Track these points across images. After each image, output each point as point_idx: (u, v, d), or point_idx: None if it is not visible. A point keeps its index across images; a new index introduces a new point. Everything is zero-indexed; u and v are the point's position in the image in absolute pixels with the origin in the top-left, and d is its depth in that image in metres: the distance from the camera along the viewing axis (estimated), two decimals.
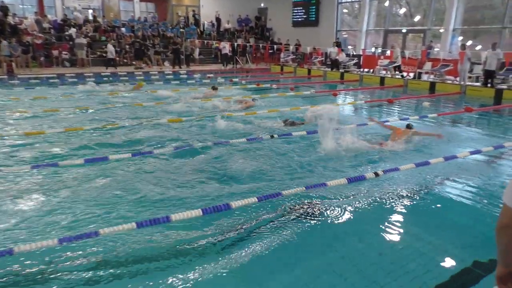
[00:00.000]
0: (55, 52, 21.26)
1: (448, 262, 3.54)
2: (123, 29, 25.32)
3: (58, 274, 3.20)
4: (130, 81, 16.63)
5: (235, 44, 25.24)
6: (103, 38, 23.83)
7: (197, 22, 29.07)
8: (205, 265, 3.35)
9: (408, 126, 7.51)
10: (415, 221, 4.35)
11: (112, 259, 3.40)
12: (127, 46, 22.97)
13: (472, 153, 6.46)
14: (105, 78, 17.75)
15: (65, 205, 4.41)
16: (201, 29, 29.37)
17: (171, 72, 20.84)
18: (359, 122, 8.65)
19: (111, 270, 3.26)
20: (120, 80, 17.25)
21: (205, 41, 26.88)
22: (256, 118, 9.10)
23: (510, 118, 10.35)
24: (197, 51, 25.40)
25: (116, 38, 23.68)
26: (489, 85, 14.60)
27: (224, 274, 3.26)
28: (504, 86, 14.52)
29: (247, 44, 26.22)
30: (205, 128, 8.25)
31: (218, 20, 29.66)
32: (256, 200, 4.11)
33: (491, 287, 2.61)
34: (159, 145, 6.84)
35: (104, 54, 22.04)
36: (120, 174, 5.44)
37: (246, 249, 3.62)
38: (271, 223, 4.10)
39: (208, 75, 19.37)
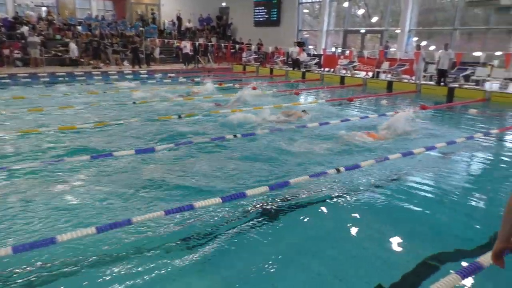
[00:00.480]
0: (5, 51, 20.22)
1: (405, 256, 3.65)
2: (79, 27, 24.45)
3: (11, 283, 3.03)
4: (87, 81, 16.09)
5: (197, 43, 24.99)
6: (58, 36, 22.92)
7: (154, 21, 28.47)
8: (169, 268, 3.29)
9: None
10: (374, 215, 4.44)
11: (73, 264, 3.27)
12: (84, 45, 22.20)
13: (427, 149, 6.71)
14: (60, 78, 17.07)
15: (17, 213, 4.19)
16: (162, 28, 28.87)
17: (130, 71, 20.34)
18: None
19: (73, 276, 3.13)
20: (76, 80, 16.65)
21: (166, 40, 26.43)
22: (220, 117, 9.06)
23: (461, 115, 10.86)
24: (157, 50, 24.95)
25: (72, 37, 22.83)
26: (442, 83, 15.26)
27: (190, 277, 3.20)
28: (455, 85, 15.22)
29: (209, 43, 26.03)
30: (174, 127, 8.11)
31: (179, 19, 29.26)
32: (220, 200, 4.07)
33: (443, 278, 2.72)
34: (119, 147, 6.66)
35: (60, 53, 21.20)
36: (81, 178, 5.24)
37: (210, 250, 3.58)
38: (235, 223, 4.07)
39: (169, 74, 19.07)
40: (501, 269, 3.01)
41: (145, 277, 3.17)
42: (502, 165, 6.70)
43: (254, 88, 13.43)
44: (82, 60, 21.20)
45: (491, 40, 18.04)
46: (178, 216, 3.99)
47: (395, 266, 3.43)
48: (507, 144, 8.13)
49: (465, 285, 3.02)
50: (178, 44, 25.43)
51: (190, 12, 29.74)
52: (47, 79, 16.63)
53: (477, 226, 4.32)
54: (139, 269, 3.27)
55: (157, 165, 5.85)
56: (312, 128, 8.24)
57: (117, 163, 5.84)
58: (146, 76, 19.04)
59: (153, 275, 3.19)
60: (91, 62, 21.62)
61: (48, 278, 3.13)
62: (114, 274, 3.19)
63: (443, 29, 19.71)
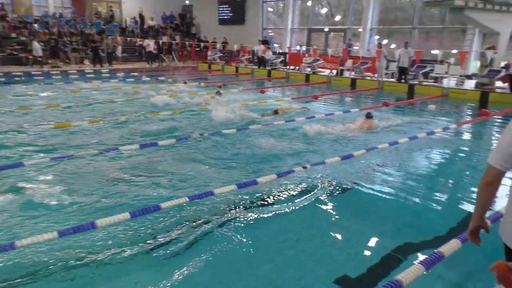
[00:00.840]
0: None
1: (372, 249, 3.73)
2: (35, 25, 23.44)
3: None
4: (45, 81, 15.48)
5: (160, 41, 24.56)
6: (13, 35, 21.89)
7: (112, 18, 27.65)
8: (135, 271, 3.21)
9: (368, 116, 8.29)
10: (340, 211, 4.51)
11: (32, 270, 3.12)
12: (42, 44, 21.32)
13: (390, 144, 6.90)
14: (16, 78, 16.31)
15: None
16: (124, 26, 28.17)
17: (91, 70, 19.72)
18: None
19: (33, 283, 2.98)
20: (34, 80, 15.97)
21: (128, 39, 25.82)
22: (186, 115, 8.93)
23: (422, 110, 11.23)
24: (119, 48, 24.34)
25: (28, 35, 21.86)
26: (402, 80, 15.75)
27: (156, 280, 3.14)
28: (415, 82, 15.75)
29: (173, 41, 25.65)
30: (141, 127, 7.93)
31: (141, 17, 28.64)
32: (187, 199, 4.01)
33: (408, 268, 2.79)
34: (82, 148, 6.44)
35: (15, 52, 20.28)
36: (40, 180, 5.02)
37: (177, 252, 3.52)
38: (203, 223, 4.02)
39: (132, 73, 18.64)
40: (460, 258, 3.13)
41: (109, 281, 3.08)
42: (460, 159, 6.98)
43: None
44: (40, 59, 20.37)
45: (447, 38, 18.80)
46: (144, 218, 3.89)
47: (362, 259, 3.50)
48: (465, 138, 8.49)
49: (429, 274, 3.12)
50: (141, 42, 24.90)
51: (153, 10, 29.18)
52: (3, 79, 15.85)
53: (438, 218, 4.47)
54: (105, 273, 3.17)
55: (121, 166, 5.69)
56: (278, 126, 8.28)
57: (79, 164, 5.64)
58: (108, 75, 18.52)
59: (119, 279, 3.11)
60: (49, 61, 20.80)
61: (6, 286, 2.97)
62: (77, 279, 3.07)
63: (402, 28, 20.32)
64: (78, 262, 3.28)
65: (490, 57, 14.34)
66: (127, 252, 3.45)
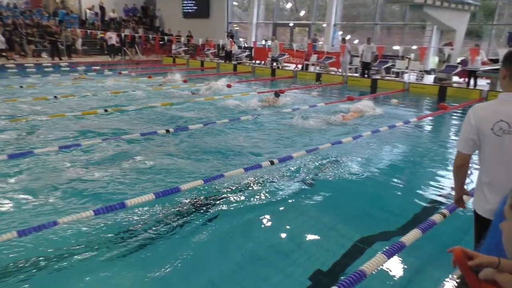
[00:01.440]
0: None
1: (336, 240, 3.81)
2: None
3: None
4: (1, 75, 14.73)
5: (123, 34, 23.89)
6: None
7: (64, 8, 26.44)
8: (99, 269, 3.13)
9: None
10: (306, 204, 4.58)
11: None
12: None
13: (354, 138, 7.05)
14: None
15: None
16: (84, 18, 27.16)
17: (50, 64, 18.93)
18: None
19: None
20: None
21: (89, 31, 24.94)
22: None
23: (384, 104, 11.53)
24: (79, 41, 23.48)
25: None
26: (366, 75, 16.12)
27: (119, 277, 3.07)
28: (378, 76, 16.16)
29: (136, 35, 25.02)
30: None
31: (102, 8, 27.71)
32: (153, 197, 3.94)
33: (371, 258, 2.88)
34: (42, 144, 6.19)
35: None
36: None
37: (143, 250, 3.47)
38: (170, 220, 3.98)
39: (93, 67, 18.06)
40: (419, 247, 3.25)
41: (72, 280, 2.99)
42: (420, 151, 7.23)
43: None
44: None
45: (407, 35, 19.38)
46: (108, 215, 3.80)
47: (326, 250, 3.57)
48: (424, 131, 8.80)
49: (391, 263, 3.23)
50: (102, 35, 24.13)
51: (114, 2, 28.30)
52: None
53: (400, 208, 4.63)
54: (66, 272, 3.08)
55: (83, 162, 5.52)
56: (244, 121, 8.28)
57: (39, 161, 5.42)
58: (67, 69, 17.85)
59: (80, 277, 3.03)
60: (4, 54, 19.80)
61: None
62: (38, 279, 2.97)
63: (365, 24, 20.77)
64: (40, 262, 3.17)
65: (447, 53, 14.92)
66: (91, 250, 3.37)
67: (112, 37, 22.65)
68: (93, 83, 13.40)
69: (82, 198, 4.35)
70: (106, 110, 8.71)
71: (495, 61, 14.70)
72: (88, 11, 27.34)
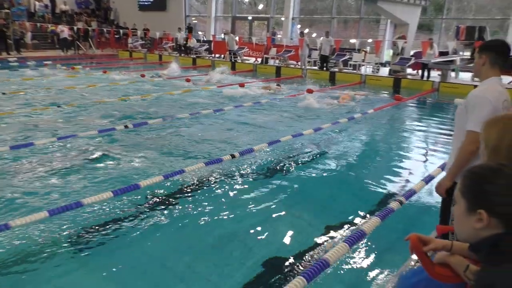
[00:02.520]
0: None
1: (298, 230, 3.85)
2: None
3: None
4: None
5: (75, 28, 22.94)
6: None
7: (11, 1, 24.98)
8: (55, 270, 3.00)
9: None
10: (267, 196, 4.59)
11: None
12: None
13: (315, 130, 7.15)
14: None
15: None
16: (33, 10, 25.80)
17: None
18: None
19: None
20: None
21: (38, 24, 23.75)
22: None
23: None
24: (29, 35, 22.31)
25: None
26: (324, 68, 16.39)
27: (76, 277, 2.96)
28: (336, 69, 16.48)
29: (89, 28, 24.09)
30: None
31: (52, 0, 26.45)
32: (111, 194, 3.81)
33: (333, 247, 2.94)
34: None
35: None
36: None
37: (104, 249, 3.36)
38: (130, 219, 3.87)
39: (45, 62, 17.21)
40: (379, 235, 3.33)
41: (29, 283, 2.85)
42: (376, 141, 7.45)
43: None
44: None
45: (363, 28, 19.89)
46: (64, 215, 3.64)
47: (291, 242, 3.60)
48: (381, 122, 9.05)
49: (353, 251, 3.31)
50: (53, 28, 23.05)
51: None
52: None
53: (357, 197, 4.74)
54: (22, 276, 2.93)
55: (37, 162, 5.25)
56: (206, 114, 8.20)
57: None
58: (16, 64, 16.92)
59: (37, 279, 2.89)
60: None
61: None
62: None
63: (322, 18, 21.09)
64: None
65: (401, 46, 15.44)
66: (46, 252, 3.22)
67: (64, 31, 21.70)
68: (45, 78, 12.78)
69: (35, 199, 4.14)
70: (59, 106, 8.33)
71: (445, 53, 15.39)
72: (37, 3, 25.99)
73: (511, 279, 1.07)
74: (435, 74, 14.73)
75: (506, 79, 12.36)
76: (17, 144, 5.73)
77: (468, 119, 2.43)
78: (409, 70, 15.61)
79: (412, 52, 16.12)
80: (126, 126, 6.85)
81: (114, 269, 3.12)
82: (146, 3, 26.34)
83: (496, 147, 1.57)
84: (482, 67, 2.51)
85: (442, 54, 15.43)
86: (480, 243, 1.24)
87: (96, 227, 3.65)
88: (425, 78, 14.35)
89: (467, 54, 15.62)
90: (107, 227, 3.67)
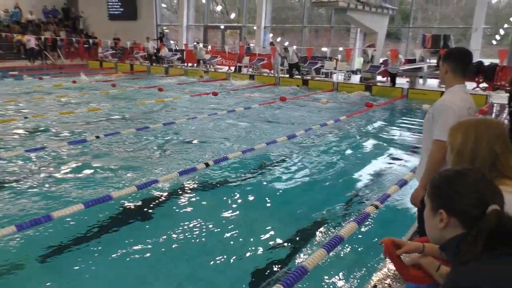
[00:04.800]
0: None
1: (274, 238, 3.83)
2: None
3: None
4: None
5: (43, 37, 22.34)
6: None
7: None
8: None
9: None
10: (242, 203, 4.56)
11: None
12: None
13: (288, 137, 7.19)
14: None
15: None
16: None
17: None
18: None
19: None
20: None
21: (4, 34, 22.99)
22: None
23: (315, 104, 11.92)
24: None
25: None
26: (297, 75, 16.54)
27: None
28: (308, 77, 16.68)
29: (57, 37, 23.51)
30: None
31: (18, 10, 25.68)
32: (83, 207, 3.69)
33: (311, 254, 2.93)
34: None
35: None
36: None
37: (75, 264, 3.23)
38: (103, 231, 3.75)
39: (10, 72, 16.66)
40: (357, 239, 3.35)
41: None
42: (350, 147, 7.53)
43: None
44: None
45: (334, 37, 20.27)
46: (33, 229, 3.49)
47: (268, 250, 3.57)
48: (354, 128, 9.19)
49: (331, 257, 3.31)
50: (20, 38, 22.37)
51: (31, 4, 26.34)
52: None
53: (334, 204, 4.76)
54: None
55: (3, 175, 5.04)
56: (179, 124, 8.11)
57: None
58: None
59: None
60: None
61: None
62: None
63: (294, 27, 21.37)
64: None
65: (371, 54, 15.79)
66: (15, 267, 3.08)
67: (30, 40, 21.10)
68: (11, 89, 12.34)
69: (3, 214, 3.96)
70: (26, 118, 8.04)
71: (412, 61, 15.86)
72: (2, 12, 25.20)
73: (476, 279, 1.09)
74: (402, 81, 15.13)
75: (470, 85, 12.84)
76: None
77: (435, 128, 2.48)
78: (379, 77, 15.97)
79: (381, 60, 16.53)
80: (97, 137, 6.68)
81: (84, 284, 3.01)
82: (116, 12, 25.99)
83: (460, 151, 1.62)
84: (445, 75, 2.58)
85: (409, 61, 15.88)
86: (446, 244, 1.26)
87: (67, 241, 3.52)
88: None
89: (433, 61, 16.14)
90: (79, 240, 3.54)
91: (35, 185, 4.75)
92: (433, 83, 15.01)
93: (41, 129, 7.51)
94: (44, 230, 3.59)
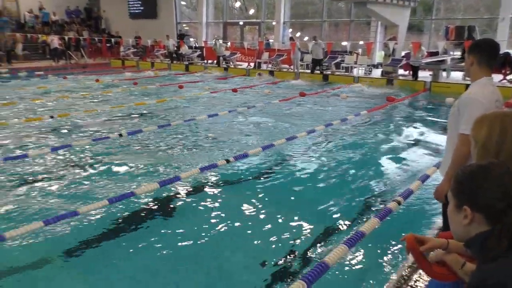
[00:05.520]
0: None
1: (296, 233, 3.83)
2: None
3: None
4: None
5: (66, 37, 22.84)
6: None
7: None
8: (55, 279, 2.96)
9: None
10: (264, 199, 4.56)
11: None
12: None
13: (308, 132, 7.16)
14: None
15: None
16: (23, 21, 25.66)
17: None
18: None
19: None
20: None
21: (29, 35, 23.61)
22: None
23: (335, 99, 11.82)
24: (19, 46, 22.17)
25: None
26: (319, 71, 16.44)
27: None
28: (328, 72, 16.55)
29: (80, 37, 24.00)
30: None
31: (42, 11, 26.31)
32: (107, 202, 3.78)
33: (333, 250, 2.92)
34: None
35: None
36: None
37: (100, 257, 3.32)
38: (126, 227, 3.84)
39: (36, 72, 17.12)
40: (379, 235, 3.31)
41: None
42: (371, 142, 7.45)
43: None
44: None
45: (354, 31, 20.00)
46: (59, 224, 3.59)
47: (288, 244, 3.58)
48: (375, 122, 9.08)
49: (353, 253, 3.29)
50: (44, 38, 22.94)
51: (55, 4, 26.95)
52: None
53: (356, 199, 4.73)
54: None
55: (30, 172, 5.20)
56: (199, 121, 8.18)
57: None
58: (8, 75, 16.80)
59: None
60: None
61: None
62: None
63: (313, 21, 21.19)
64: None
65: (392, 47, 15.52)
66: (42, 262, 3.19)
67: (54, 40, 21.62)
68: (37, 88, 12.69)
69: (30, 210, 4.09)
70: (51, 117, 8.26)
71: (435, 53, 15.51)
72: (27, 14, 25.87)
73: (501, 275, 1.07)
74: (424, 74, 14.82)
75: (497, 77, 12.48)
76: (11, 156, 5.67)
77: (461, 121, 2.42)
78: (400, 71, 15.70)
79: (403, 53, 16.23)
80: (120, 135, 6.81)
81: (109, 278, 3.09)
82: (137, 11, 26.33)
83: (485, 145, 1.58)
84: (471, 68, 2.51)
85: (432, 54, 15.54)
86: (471, 241, 1.24)
87: (92, 236, 3.61)
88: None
89: (457, 53, 15.74)
90: (103, 235, 3.63)
91: (61, 182, 4.88)
92: (457, 75, 14.65)
93: (66, 127, 7.70)
94: (70, 225, 3.69)
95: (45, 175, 5.11)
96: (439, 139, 7.08)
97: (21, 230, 3.25)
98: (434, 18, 18.45)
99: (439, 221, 3.47)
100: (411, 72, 14.89)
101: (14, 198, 4.40)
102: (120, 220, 3.93)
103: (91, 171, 5.32)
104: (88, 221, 3.82)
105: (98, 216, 3.90)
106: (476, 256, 1.26)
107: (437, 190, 2.62)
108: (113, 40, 24.45)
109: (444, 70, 14.71)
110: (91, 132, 7.32)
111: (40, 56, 23.33)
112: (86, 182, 4.88)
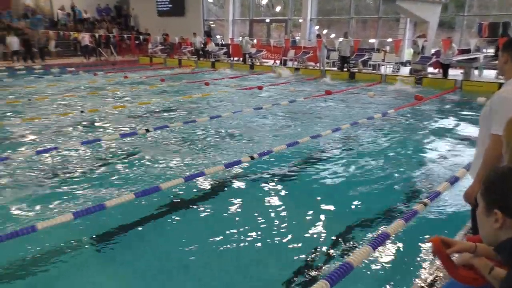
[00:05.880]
0: None
1: (321, 233, 3.81)
2: None
3: None
4: None
5: (97, 35, 23.42)
6: None
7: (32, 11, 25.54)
8: (79, 270, 3.06)
9: None
10: (289, 197, 4.56)
11: None
12: None
13: (333, 130, 7.09)
14: None
15: None
16: (56, 19, 26.46)
17: (23, 67, 18.41)
18: None
19: None
20: None
21: (61, 32, 24.32)
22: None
23: (362, 97, 11.65)
24: (52, 43, 22.88)
25: None
26: (345, 69, 16.24)
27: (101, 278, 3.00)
28: (355, 70, 16.33)
29: (110, 35, 24.55)
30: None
31: (73, 9, 27.06)
32: (134, 196, 3.86)
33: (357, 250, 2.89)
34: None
35: None
36: None
37: (127, 250, 3.40)
38: (152, 221, 3.91)
39: (68, 69, 17.64)
40: (405, 238, 3.26)
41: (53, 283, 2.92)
42: (398, 142, 7.31)
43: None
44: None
45: (382, 28, 19.63)
46: (89, 216, 3.70)
47: (312, 244, 3.56)
48: (402, 122, 8.91)
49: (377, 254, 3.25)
50: (76, 36, 23.59)
51: (86, 2, 27.67)
52: None
53: (380, 199, 4.66)
54: (46, 276, 3.00)
55: (60, 166, 5.38)
56: (225, 118, 8.23)
57: (14, 167, 5.25)
58: (41, 71, 17.38)
59: (61, 280, 2.95)
60: None
61: None
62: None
63: (340, 18, 20.92)
64: (18, 272, 3.07)
65: (421, 45, 15.16)
66: (71, 253, 3.29)
67: (85, 38, 22.19)
68: (69, 84, 13.08)
69: (60, 202, 4.23)
70: (82, 112, 8.50)
71: (467, 51, 15.04)
72: (59, 12, 26.66)
73: None
74: (455, 73, 14.41)
75: None
76: (42, 149, 5.87)
77: (493, 121, 2.32)
78: (430, 69, 15.32)
79: (433, 51, 15.82)
80: (147, 130, 6.95)
81: (136, 270, 3.16)
82: (165, 8, 26.69)
83: None
84: (504, 66, 2.42)
85: (463, 51, 15.08)
86: (501, 246, 1.20)
87: (119, 229, 3.71)
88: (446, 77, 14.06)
89: (490, 51, 15.21)
90: (129, 228, 3.72)
91: (90, 176, 5.02)
92: (490, 74, 14.18)
93: (95, 122, 7.92)
94: (98, 218, 3.80)
95: (75, 168, 5.26)
96: (469, 140, 6.88)
97: (52, 221, 3.37)
98: (466, 14, 17.88)
99: (468, 225, 3.38)
100: (441, 70, 14.50)
101: (45, 190, 4.56)
102: (146, 214, 4.01)
103: (118, 165, 5.45)
104: (116, 214, 3.91)
105: (125, 210, 3.99)
106: (506, 262, 1.22)
107: (466, 192, 2.54)
108: (141, 37, 24.89)
109: (476, 68, 14.26)
110: (119, 127, 7.48)
111: (72, 53, 24.01)
112: (113, 176, 5.01)
